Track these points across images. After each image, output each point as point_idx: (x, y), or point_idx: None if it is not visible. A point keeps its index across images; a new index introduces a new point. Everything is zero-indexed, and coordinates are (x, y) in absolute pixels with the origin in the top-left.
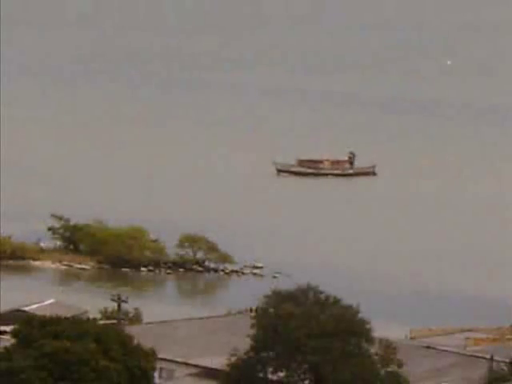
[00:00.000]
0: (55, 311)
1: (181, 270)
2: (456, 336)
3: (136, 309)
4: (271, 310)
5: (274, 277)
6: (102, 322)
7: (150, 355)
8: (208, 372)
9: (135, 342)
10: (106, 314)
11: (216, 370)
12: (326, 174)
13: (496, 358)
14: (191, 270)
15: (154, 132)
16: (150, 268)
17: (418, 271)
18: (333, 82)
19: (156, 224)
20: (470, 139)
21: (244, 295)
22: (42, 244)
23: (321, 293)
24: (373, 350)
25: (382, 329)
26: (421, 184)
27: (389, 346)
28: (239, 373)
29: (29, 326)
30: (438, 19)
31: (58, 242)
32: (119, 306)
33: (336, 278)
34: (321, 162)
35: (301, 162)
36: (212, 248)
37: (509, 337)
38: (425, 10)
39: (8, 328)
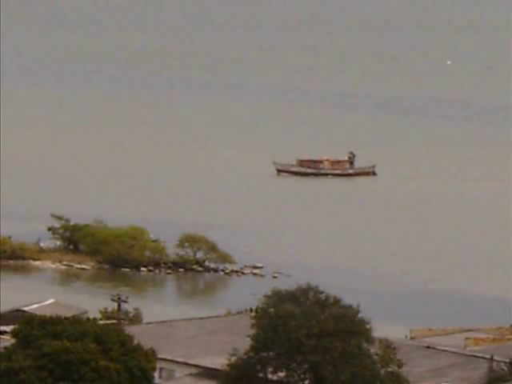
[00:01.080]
0: (55, 311)
1: (181, 270)
2: (456, 336)
3: (136, 309)
4: (271, 310)
5: (274, 277)
6: (101, 322)
7: (150, 355)
8: (208, 372)
9: (135, 342)
10: (105, 314)
11: (216, 369)
12: (326, 174)
13: (496, 357)
14: (191, 270)
15: (153, 132)
16: (150, 268)
17: (417, 271)
18: (333, 82)
19: (156, 224)
20: (470, 139)
21: (244, 295)
22: (41, 244)
23: (321, 293)
24: (373, 350)
25: (382, 329)
26: (421, 184)
27: (389, 346)
28: (239, 373)
29: (29, 326)
30: (437, 19)
31: (58, 242)
32: (119, 305)
33: (336, 278)
34: (321, 162)
35: (301, 162)
36: (212, 248)
37: (509, 337)
38: (425, 10)
39: (8, 328)
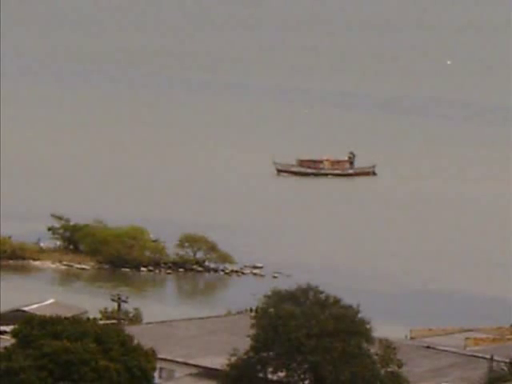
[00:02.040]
0: (55, 311)
1: (181, 270)
2: (456, 336)
3: (136, 309)
4: (271, 310)
5: (274, 277)
6: (102, 322)
7: (150, 355)
8: (208, 372)
9: (135, 341)
10: (105, 314)
11: (216, 369)
12: (326, 174)
13: (496, 357)
14: (191, 270)
15: (153, 132)
16: (150, 268)
17: (417, 271)
18: (333, 82)
19: (156, 224)
20: (470, 139)
21: (244, 295)
22: (41, 244)
23: (321, 293)
24: (373, 350)
25: (382, 329)
26: (421, 184)
27: (389, 346)
28: (239, 373)
29: (29, 326)
30: (437, 19)
31: (58, 242)
32: (119, 305)
33: (336, 278)
34: (321, 162)
35: (301, 162)
36: (212, 248)
37: (509, 337)
38: (425, 10)
39: (8, 328)
